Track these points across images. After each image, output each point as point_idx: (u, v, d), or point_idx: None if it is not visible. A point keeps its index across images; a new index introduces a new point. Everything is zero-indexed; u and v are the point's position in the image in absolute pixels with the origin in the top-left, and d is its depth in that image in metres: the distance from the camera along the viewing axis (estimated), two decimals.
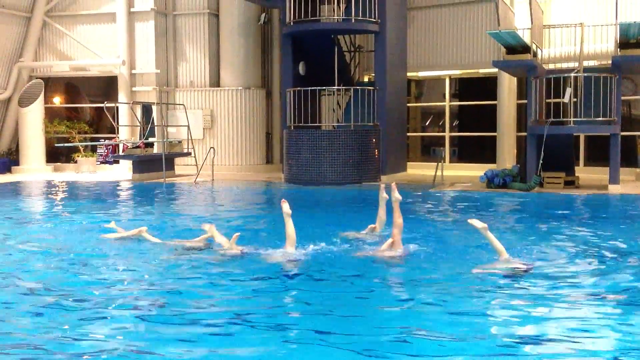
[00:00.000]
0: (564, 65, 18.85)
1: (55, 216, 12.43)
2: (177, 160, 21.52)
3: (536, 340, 5.04)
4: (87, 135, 23.96)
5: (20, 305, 6.04)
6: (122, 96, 22.66)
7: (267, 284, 6.81)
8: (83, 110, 24.96)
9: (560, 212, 12.49)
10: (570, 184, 16.13)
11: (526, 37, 16.39)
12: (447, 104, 23.11)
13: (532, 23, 16.06)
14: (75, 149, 23.14)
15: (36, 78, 23.27)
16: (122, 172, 21.83)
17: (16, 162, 23.04)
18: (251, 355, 4.74)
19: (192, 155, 20.89)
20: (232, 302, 6.15)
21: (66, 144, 21.66)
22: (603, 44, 18.26)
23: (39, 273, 7.34)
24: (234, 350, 4.84)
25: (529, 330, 5.31)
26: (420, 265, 7.55)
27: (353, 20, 18.15)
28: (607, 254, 8.20)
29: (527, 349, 4.85)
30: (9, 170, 22.62)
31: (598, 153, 19.41)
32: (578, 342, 4.96)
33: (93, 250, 8.54)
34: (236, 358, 4.74)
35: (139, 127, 21.54)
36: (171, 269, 7.44)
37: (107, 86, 24.02)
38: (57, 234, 10.01)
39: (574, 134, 17.87)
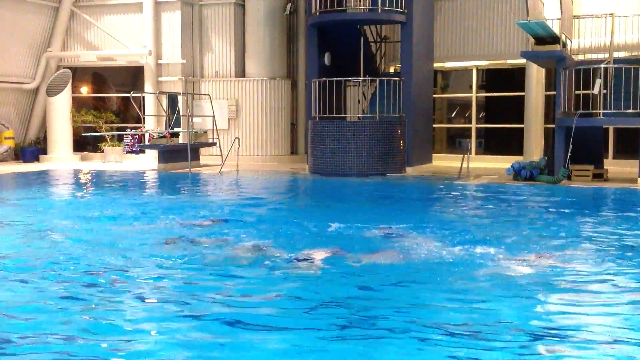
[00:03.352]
0: (594, 57, 18.56)
1: (87, 205, 12.55)
2: (202, 150, 21.59)
3: (561, 333, 4.98)
4: (114, 125, 24.14)
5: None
6: (148, 86, 22.78)
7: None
8: (110, 100, 25.14)
9: (587, 205, 12.32)
10: (598, 177, 15.89)
11: (555, 28, 16.14)
12: (474, 95, 22.89)
13: (561, 13, 15.81)
14: (102, 139, 23.33)
15: (64, 68, 23.47)
16: (148, 162, 21.97)
17: (44, 151, 23.30)
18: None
19: (217, 145, 20.94)
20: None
21: (93, 134, 21.83)
22: (634, 34, 17.95)
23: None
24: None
25: (551, 323, 5.25)
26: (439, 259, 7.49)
27: (379, 11, 18.02)
28: (631, 248, 8.06)
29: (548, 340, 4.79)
30: (37, 159, 22.89)
31: (628, 146, 19.08)
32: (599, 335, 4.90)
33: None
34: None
35: (164, 117, 21.65)
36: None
37: (133, 76, 24.17)
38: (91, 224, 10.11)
39: (603, 126, 17.60)
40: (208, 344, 4.80)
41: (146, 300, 5.92)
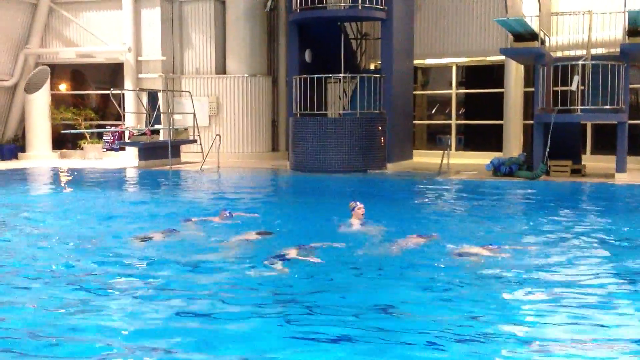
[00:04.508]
0: (572, 53, 18.76)
1: (62, 203, 12.47)
2: (183, 148, 21.52)
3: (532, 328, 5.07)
4: (93, 122, 23.97)
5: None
6: (128, 83, 22.65)
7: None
8: (89, 97, 24.97)
9: (566, 200, 12.47)
10: (577, 172, 16.08)
11: (534, 25, 16.28)
12: (454, 91, 23.03)
13: (540, 10, 15.97)
14: (82, 136, 23.16)
15: (42, 65, 23.25)
16: (128, 159, 21.86)
17: (22, 149, 23.09)
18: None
19: (198, 142, 20.88)
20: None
21: (72, 131, 21.67)
22: (611, 31, 18.16)
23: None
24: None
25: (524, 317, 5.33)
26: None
27: (360, 7, 18.07)
28: (608, 242, 8.18)
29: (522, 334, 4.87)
30: (15, 157, 22.67)
31: (605, 141, 19.32)
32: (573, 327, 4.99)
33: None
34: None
35: (145, 114, 21.53)
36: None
37: (113, 73, 24.02)
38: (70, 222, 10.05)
39: (581, 122, 17.79)
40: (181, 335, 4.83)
41: (122, 299, 5.90)
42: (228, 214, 9.38)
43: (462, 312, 5.35)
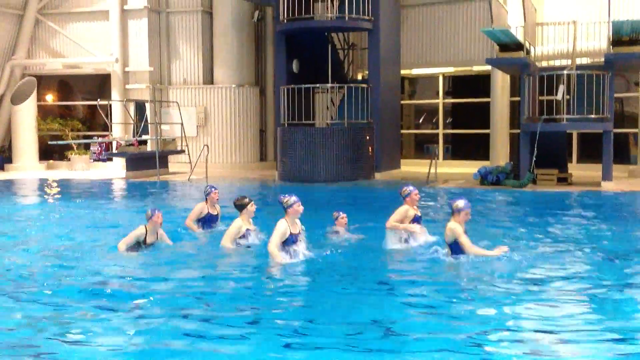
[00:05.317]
0: (557, 63, 18.92)
1: (50, 215, 12.40)
2: (171, 158, 21.48)
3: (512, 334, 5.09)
4: (80, 133, 23.89)
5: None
6: (115, 94, 22.61)
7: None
8: (76, 108, 24.88)
9: (552, 208, 12.53)
10: (563, 180, 16.20)
11: (519, 35, 16.43)
12: (441, 101, 23.15)
13: (525, 21, 16.11)
14: (69, 147, 23.07)
15: (29, 76, 23.17)
16: (116, 170, 21.78)
17: (9, 160, 22.96)
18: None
19: (186, 152, 20.85)
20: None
21: (59, 142, 21.57)
22: (595, 41, 18.33)
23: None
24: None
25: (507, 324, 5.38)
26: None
27: (347, 18, 18.16)
28: (595, 251, 8.22)
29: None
30: (1, 168, 22.54)
31: (591, 150, 19.47)
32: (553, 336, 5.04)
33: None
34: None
35: (132, 125, 21.50)
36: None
37: (100, 84, 23.96)
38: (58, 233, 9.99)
39: (567, 131, 17.93)
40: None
41: (117, 311, 5.86)
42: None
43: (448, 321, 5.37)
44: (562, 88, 15.68)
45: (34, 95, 22.74)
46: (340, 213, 9.29)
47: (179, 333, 5.11)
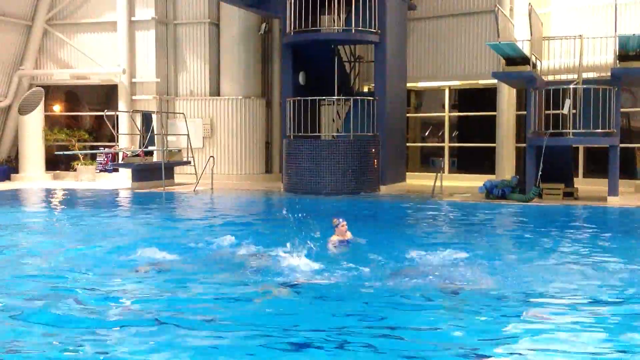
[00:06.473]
0: (563, 77, 18.92)
1: (55, 225, 12.42)
2: (177, 169, 21.52)
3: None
4: (87, 144, 23.98)
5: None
6: (122, 105, 22.69)
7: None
8: (83, 118, 24.99)
9: (558, 223, 12.48)
10: (569, 195, 16.14)
11: (526, 49, 16.44)
12: (447, 114, 23.16)
13: (531, 35, 16.12)
14: (75, 157, 23.15)
15: (36, 86, 23.30)
16: (122, 181, 21.83)
17: (15, 170, 23.05)
18: None
19: (192, 164, 20.90)
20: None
21: (66, 152, 21.65)
22: (602, 56, 18.33)
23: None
24: None
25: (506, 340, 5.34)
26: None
27: (353, 31, 18.21)
28: (599, 266, 8.17)
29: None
30: (8, 178, 22.62)
31: (597, 165, 19.43)
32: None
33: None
34: None
35: (138, 136, 21.56)
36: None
37: (107, 94, 24.07)
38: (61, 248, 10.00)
39: (573, 146, 17.90)
40: None
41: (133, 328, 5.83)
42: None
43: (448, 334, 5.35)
44: (568, 102, 15.66)
45: (41, 106, 22.86)
46: (340, 220, 9.42)
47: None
